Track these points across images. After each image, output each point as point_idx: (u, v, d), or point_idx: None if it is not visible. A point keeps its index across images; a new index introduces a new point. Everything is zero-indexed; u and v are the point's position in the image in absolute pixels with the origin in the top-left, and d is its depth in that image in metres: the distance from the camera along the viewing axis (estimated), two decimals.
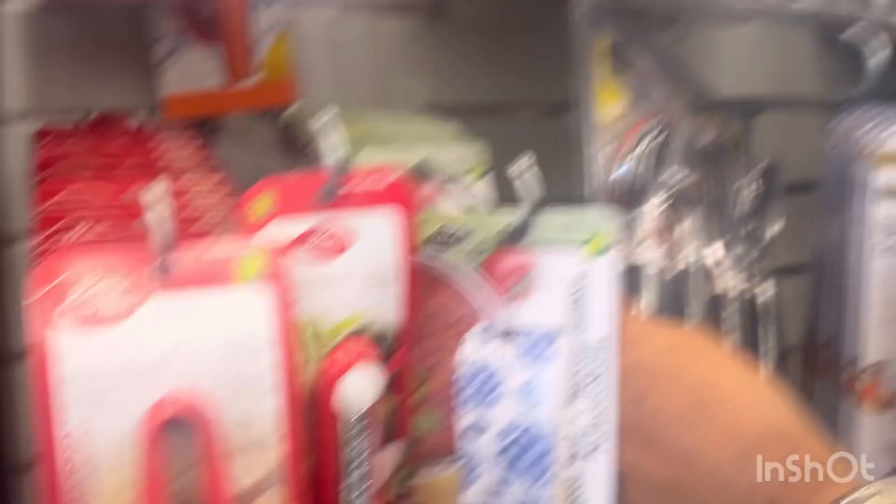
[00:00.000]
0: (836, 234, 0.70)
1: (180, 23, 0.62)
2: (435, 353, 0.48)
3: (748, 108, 0.84)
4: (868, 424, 0.69)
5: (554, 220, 0.45)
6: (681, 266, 0.64)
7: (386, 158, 0.55)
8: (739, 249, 0.69)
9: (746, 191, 0.70)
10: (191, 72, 0.62)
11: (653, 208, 0.62)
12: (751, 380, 0.45)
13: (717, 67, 0.82)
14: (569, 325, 0.44)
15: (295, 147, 0.66)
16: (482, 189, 0.58)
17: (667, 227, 0.64)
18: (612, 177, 0.61)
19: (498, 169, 0.59)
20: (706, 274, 0.67)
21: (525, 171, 0.43)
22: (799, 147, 0.82)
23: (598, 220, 0.44)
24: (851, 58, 0.73)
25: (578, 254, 0.44)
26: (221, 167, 0.52)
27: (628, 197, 0.60)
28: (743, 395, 0.43)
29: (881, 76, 0.56)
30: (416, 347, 0.48)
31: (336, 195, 0.40)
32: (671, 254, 0.64)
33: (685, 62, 0.70)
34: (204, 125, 0.66)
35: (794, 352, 0.73)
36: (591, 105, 0.59)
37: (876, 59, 0.54)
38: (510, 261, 0.45)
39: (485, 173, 0.59)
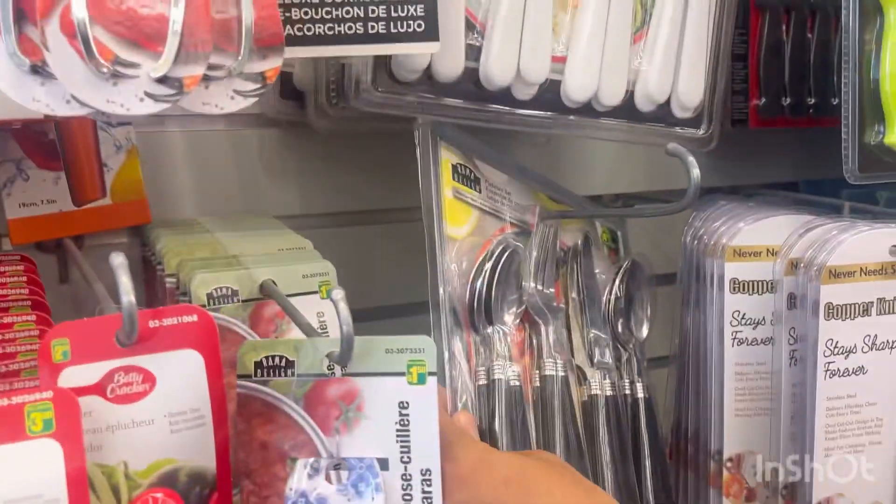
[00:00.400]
0: (694, 327, 0.71)
1: (23, 146, 0.61)
2: (269, 486, 0.47)
3: (610, 205, 0.87)
4: None
5: (375, 346, 0.44)
6: (545, 375, 0.63)
7: (228, 280, 0.55)
8: (607, 351, 0.69)
9: (612, 291, 0.71)
10: (35, 195, 0.61)
11: (511, 320, 0.61)
12: None
13: (580, 170, 0.84)
14: (393, 456, 0.43)
15: (150, 265, 0.65)
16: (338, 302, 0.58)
17: (527, 339, 0.63)
18: (468, 292, 0.60)
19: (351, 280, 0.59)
20: (574, 380, 0.67)
21: (339, 299, 0.43)
22: (666, 241, 0.84)
23: (420, 346, 0.44)
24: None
25: (401, 381, 0.43)
26: (45, 303, 0.50)
27: (485, 311, 0.60)
28: None
29: (699, 188, 0.58)
30: (247, 480, 0.46)
31: (134, 338, 0.39)
32: (533, 365, 0.63)
33: (537, 172, 0.72)
34: (59, 245, 0.65)
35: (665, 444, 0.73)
36: (440, 219, 0.58)
37: (696, 171, 0.56)
38: (335, 389, 0.44)
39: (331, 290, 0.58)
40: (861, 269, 0.62)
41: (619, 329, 0.70)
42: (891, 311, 0.63)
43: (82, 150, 0.62)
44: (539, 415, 0.62)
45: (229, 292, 0.54)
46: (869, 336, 0.63)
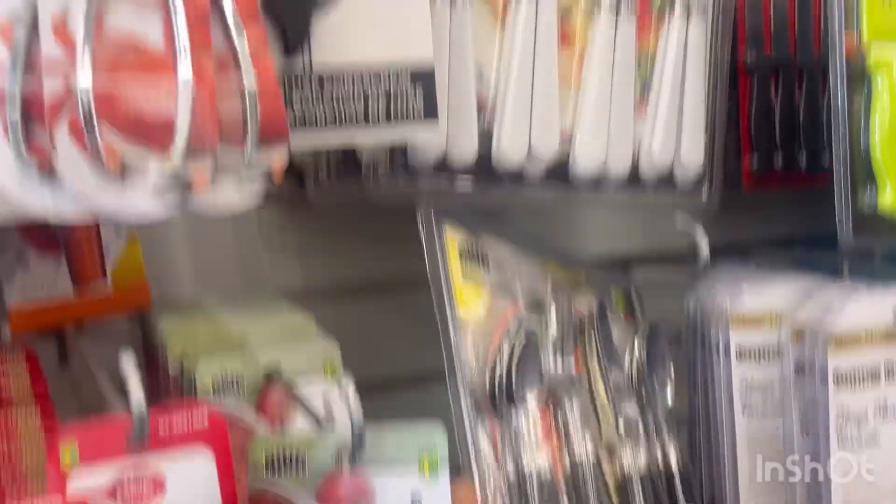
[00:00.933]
0: (703, 394, 0.71)
1: (23, 234, 0.61)
2: None
3: (620, 270, 0.87)
4: None
5: (384, 438, 0.44)
6: (576, 461, 0.61)
7: (233, 366, 0.55)
8: (636, 422, 0.67)
9: (633, 356, 0.69)
10: (36, 283, 0.61)
11: (533, 401, 0.60)
12: None
13: (584, 231, 0.85)
14: None
15: (152, 347, 0.64)
16: (337, 390, 0.57)
17: (552, 417, 0.62)
18: (488, 377, 0.59)
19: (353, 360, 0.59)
20: (606, 456, 0.65)
21: (349, 391, 0.43)
22: (674, 301, 0.84)
23: (430, 436, 0.43)
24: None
25: (412, 474, 0.43)
26: (49, 399, 0.50)
27: (507, 396, 0.58)
28: None
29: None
30: None
31: (145, 439, 0.38)
32: (562, 449, 0.62)
33: (545, 239, 0.72)
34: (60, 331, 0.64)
35: None
36: (452, 304, 0.58)
37: (704, 241, 0.56)
38: (347, 484, 0.44)
39: (338, 372, 0.58)
40: (866, 334, 0.62)
41: (645, 396, 0.68)
42: None
43: (82, 236, 0.62)
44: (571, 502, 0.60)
45: (234, 380, 0.54)
46: (879, 401, 0.62)
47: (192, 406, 0.39)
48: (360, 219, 0.75)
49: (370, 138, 0.50)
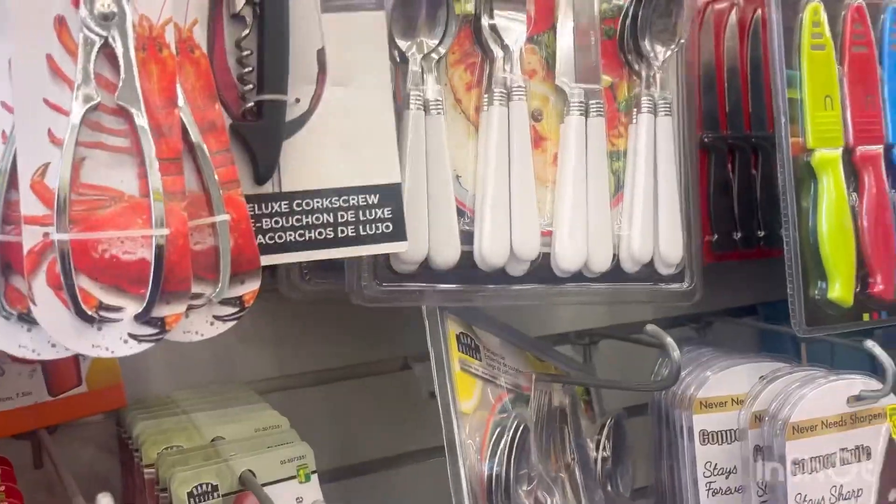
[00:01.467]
0: (669, 475, 0.73)
1: None
2: None
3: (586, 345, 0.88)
4: None
5: None
6: None
7: (208, 476, 0.56)
8: None
9: (599, 451, 0.71)
10: (11, 389, 0.62)
11: (525, 497, 0.61)
12: None
13: (543, 307, 0.86)
14: None
15: (126, 447, 0.65)
16: (308, 490, 0.59)
17: None
18: (486, 473, 0.59)
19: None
20: None
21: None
22: (637, 371, 0.86)
23: None
24: None
25: None
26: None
27: (505, 493, 0.59)
28: None
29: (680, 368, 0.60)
30: None
31: None
32: None
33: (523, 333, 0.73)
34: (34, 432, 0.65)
35: None
36: (454, 396, 0.59)
37: (676, 353, 0.58)
38: None
39: (310, 474, 0.59)
40: (822, 422, 0.64)
41: (610, 489, 0.71)
42: (854, 460, 0.65)
43: None
44: None
45: (209, 488, 0.55)
46: (835, 487, 0.65)
47: None
48: (331, 307, 0.76)
49: (340, 255, 0.52)
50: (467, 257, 0.60)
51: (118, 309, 0.40)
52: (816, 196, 0.66)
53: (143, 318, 0.41)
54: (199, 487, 0.54)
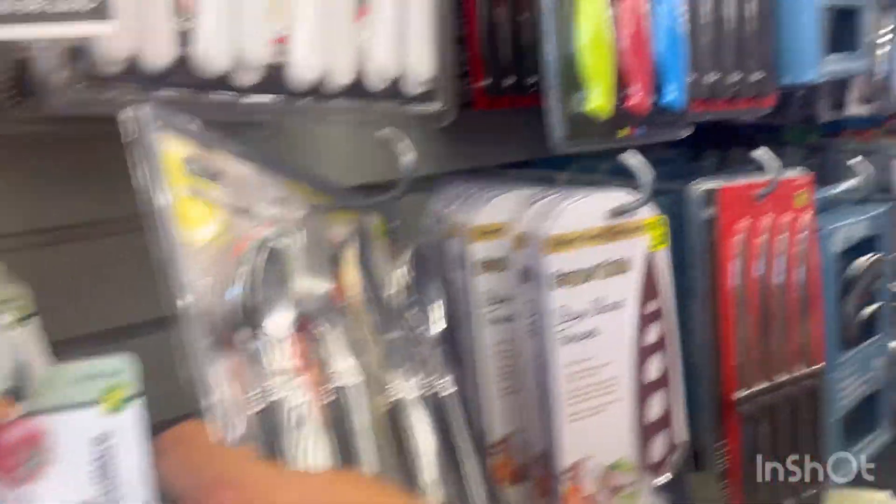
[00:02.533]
0: (448, 310, 0.71)
1: None
2: None
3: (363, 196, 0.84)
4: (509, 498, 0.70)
5: (63, 375, 0.39)
6: (337, 387, 0.55)
7: None
8: (405, 347, 0.64)
9: (398, 283, 0.65)
10: None
11: (282, 329, 0.52)
12: None
13: (315, 162, 0.81)
14: (96, 499, 0.38)
15: None
16: (27, 335, 0.51)
17: (307, 349, 0.56)
18: (223, 304, 0.49)
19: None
20: (373, 387, 0.61)
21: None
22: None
23: (117, 368, 0.39)
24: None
25: (95, 413, 0.38)
26: None
27: (248, 323, 0.50)
28: None
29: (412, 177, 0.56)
30: None
31: None
32: (320, 377, 0.56)
33: (288, 164, 0.66)
34: None
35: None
36: (173, 221, 0.50)
37: (407, 158, 0.54)
38: (15, 433, 0.38)
39: (28, 317, 0.51)
40: (583, 235, 0.64)
41: (412, 322, 0.65)
42: (614, 273, 0.66)
43: None
44: (336, 434, 0.56)
45: None
46: (597, 299, 0.66)
47: None
48: (55, 150, 0.66)
49: (22, 36, 0.43)
50: (187, 61, 0.52)
51: None
52: (573, 7, 0.64)
53: None
54: None
